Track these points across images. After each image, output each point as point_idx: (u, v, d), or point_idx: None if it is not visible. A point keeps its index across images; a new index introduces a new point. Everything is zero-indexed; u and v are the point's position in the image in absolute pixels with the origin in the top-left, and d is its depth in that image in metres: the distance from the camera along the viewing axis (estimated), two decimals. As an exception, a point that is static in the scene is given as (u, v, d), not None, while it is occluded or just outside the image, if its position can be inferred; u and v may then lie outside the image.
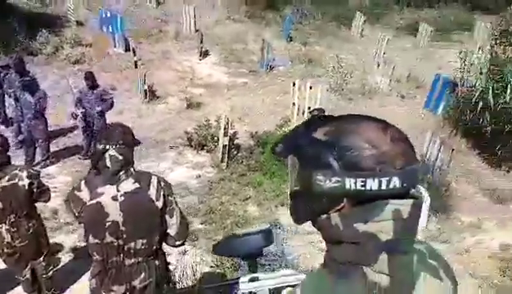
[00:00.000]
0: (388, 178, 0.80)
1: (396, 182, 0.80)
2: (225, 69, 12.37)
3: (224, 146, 6.97)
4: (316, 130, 0.88)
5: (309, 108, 8.05)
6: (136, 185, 2.26)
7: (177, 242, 2.43)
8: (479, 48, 10.34)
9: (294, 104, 8.55)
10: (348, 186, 0.80)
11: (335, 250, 0.87)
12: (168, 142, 7.43)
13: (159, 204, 2.29)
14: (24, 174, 3.26)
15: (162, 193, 2.30)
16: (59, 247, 4.44)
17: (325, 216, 0.88)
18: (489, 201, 6.53)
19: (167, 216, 2.34)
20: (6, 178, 3.19)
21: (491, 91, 7.40)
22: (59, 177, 6.04)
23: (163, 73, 11.03)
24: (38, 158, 6.37)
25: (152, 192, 2.28)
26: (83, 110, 6.41)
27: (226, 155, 7.00)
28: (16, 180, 3.21)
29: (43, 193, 3.42)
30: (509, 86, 7.31)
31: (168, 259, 2.62)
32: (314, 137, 0.87)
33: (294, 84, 8.62)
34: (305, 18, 16.22)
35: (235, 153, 7.24)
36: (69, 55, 11.64)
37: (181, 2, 17.00)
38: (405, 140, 0.86)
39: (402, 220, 0.83)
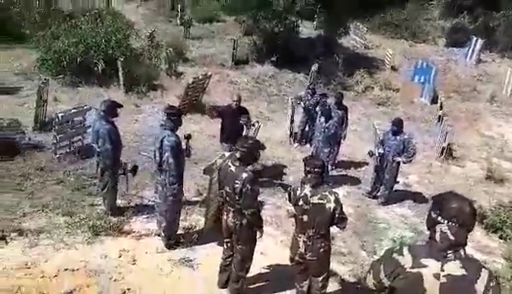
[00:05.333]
0: None
1: None
2: (549, 144, 10.24)
3: (528, 240, 5.68)
4: None
5: None
6: (463, 272, 2.00)
7: None
8: None
9: None
10: None
11: None
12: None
13: None
14: (332, 198, 3.54)
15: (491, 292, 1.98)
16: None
17: None
18: None
19: None
20: (317, 197, 3.54)
21: None
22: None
23: (468, 134, 10.16)
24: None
25: (479, 287, 1.98)
26: (382, 152, 6.54)
27: (528, 252, 5.67)
28: (325, 201, 3.52)
29: (342, 220, 3.62)
30: None
31: None
32: None
33: None
34: None
35: (543, 253, 5.77)
36: (376, 96, 12.38)
37: (505, 62, 15.34)
38: None
39: None
